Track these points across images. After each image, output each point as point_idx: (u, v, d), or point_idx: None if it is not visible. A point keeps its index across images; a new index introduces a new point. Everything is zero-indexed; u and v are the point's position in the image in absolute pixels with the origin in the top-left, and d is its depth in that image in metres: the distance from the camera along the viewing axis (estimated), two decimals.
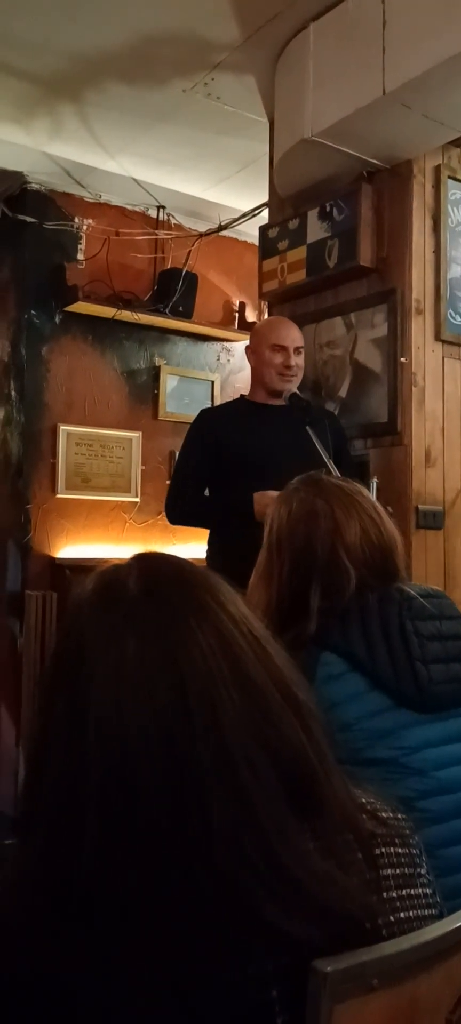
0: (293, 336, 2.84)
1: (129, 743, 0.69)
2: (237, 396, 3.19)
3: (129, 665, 0.71)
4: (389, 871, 0.77)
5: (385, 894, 0.76)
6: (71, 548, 4.17)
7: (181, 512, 2.91)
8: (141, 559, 0.81)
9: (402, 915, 0.76)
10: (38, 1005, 0.65)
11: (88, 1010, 0.65)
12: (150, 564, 0.80)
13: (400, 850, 0.79)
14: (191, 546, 4.01)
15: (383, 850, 0.77)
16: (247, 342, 3.05)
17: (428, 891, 0.81)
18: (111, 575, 0.79)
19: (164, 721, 0.69)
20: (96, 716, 0.70)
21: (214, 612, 0.75)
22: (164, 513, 3.01)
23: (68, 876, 0.67)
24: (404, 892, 0.78)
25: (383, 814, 0.81)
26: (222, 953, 0.66)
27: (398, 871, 0.78)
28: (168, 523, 3.05)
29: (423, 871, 0.81)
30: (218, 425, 2.89)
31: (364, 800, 0.80)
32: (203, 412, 3.05)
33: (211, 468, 2.83)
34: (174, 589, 0.77)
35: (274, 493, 2.47)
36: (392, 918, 0.75)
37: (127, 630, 0.73)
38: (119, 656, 0.72)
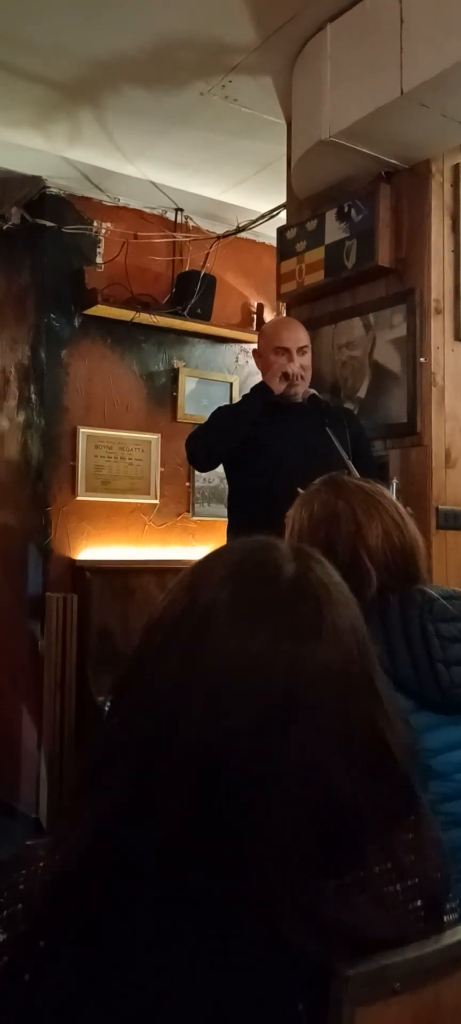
0: (295, 337, 2.83)
1: (228, 725, 0.69)
2: None
3: (254, 650, 0.71)
4: (419, 902, 0.77)
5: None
6: (91, 550, 4.19)
7: (203, 436, 2.89)
8: (300, 553, 0.79)
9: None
10: (89, 965, 0.67)
11: (125, 984, 0.66)
12: (309, 562, 0.79)
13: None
14: (209, 547, 4.02)
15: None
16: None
17: (454, 905, 0.81)
18: (265, 552, 0.78)
19: (265, 719, 0.69)
20: (205, 684, 0.70)
21: (346, 637, 0.75)
22: (187, 458, 3.03)
23: (139, 841, 0.68)
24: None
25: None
26: (260, 959, 0.67)
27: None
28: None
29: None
30: None
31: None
32: (220, 409, 3.08)
33: (231, 459, 2.83)
34: (321, 600, 0.75)
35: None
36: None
37: (266, 616, 0.72)
38: (248, 637, 0.71)
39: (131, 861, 0.68)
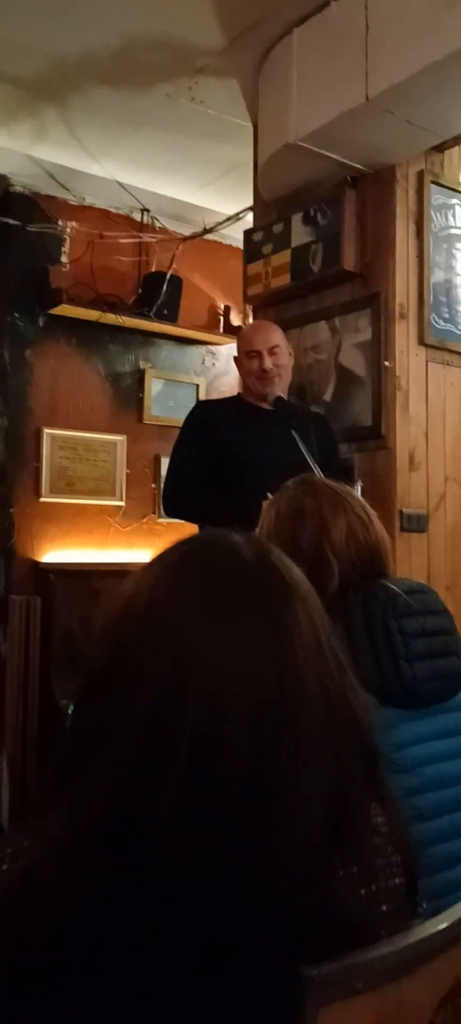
0: (264, 339, 2.82)
1: (226, 707, 0.68)
2: (235, 394, 3.22)
3: (237, 629, 0.71)
4: (381, 884, 0.77)
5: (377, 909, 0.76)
6: (55, 552, 4.15)
7: (180, 505, 2.87)
8: (253, 538, 0.80)
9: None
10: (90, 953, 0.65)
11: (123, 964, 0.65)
12: (265, 544, 0.80)
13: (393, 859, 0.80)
14: None
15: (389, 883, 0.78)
16: (233, 346, 3.07)
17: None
18: (223, 539, 0.79)
19: (260, 696, 0.69)
20: (197, 672, 0.70)
21: (314, 610, 0.76)
22: (161, 505, 2.99)
23: (141, 827, 0.67)
24: (394, 906, 0.78)
25: (378, 819, 0.81)
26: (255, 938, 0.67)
27: (390, 883, 0.78)
28: (163, 518, 3.03)
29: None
30: (215, 418, 2.89)
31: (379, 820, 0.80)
32: (201, 404, 3.08)
33: (207, 462, 2.82)
34: (288, 575, 0.77)
35: None
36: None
37: (238, 599, 0.73)
38: (230, 618, 0.71)
39: (122, 857, 0.67)
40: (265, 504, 1.46)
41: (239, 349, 2.91)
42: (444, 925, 0.77)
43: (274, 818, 0.68)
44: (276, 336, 2.84)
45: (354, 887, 0.73)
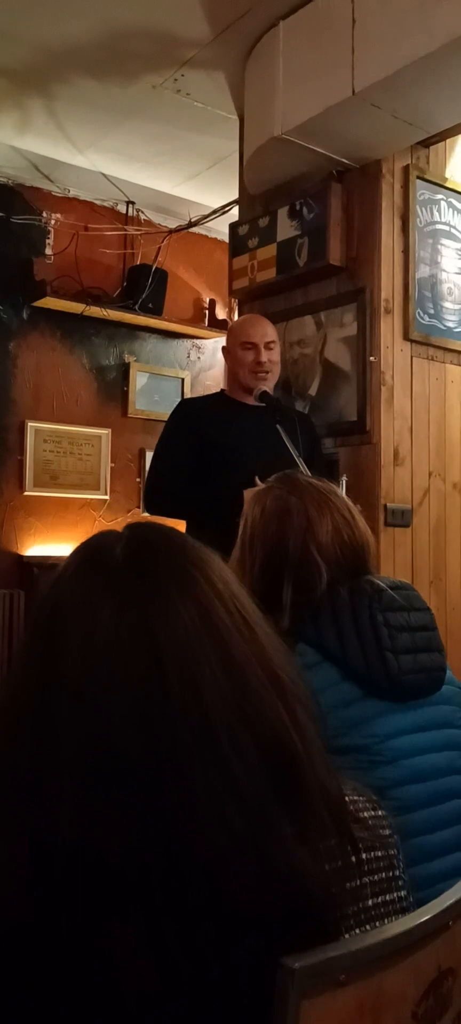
0: (262, 332, 2.83)
1: (102, 712, 0.67)
2: (218, 390, 3.21)
3: (103, 632, 0.70)
4: (367, 879, 0.76)
5: (361, 904, 0.75)
6: (39, 546, 4.13)
7: (162, 503, 2.85)
8: (133, 528, 0.79)
9: (377, 925, 0.76)
10: (26, 992, 0.64)
11: (73, 983, 0.63)
12: (140, 534, 0.79)
13: (380, 853, 0.79)
14: None
15: (364, 856, 0.76)
16: (218, 340, 3.06)
17: (403, 893, 0.80)
18: (98, 540, 0.78)
19: (138, 691, 0.68)
20: (69, 682, 0.69)
21: (199, 586, 0.74)
22: (142, 503, 2.99)
23: (48, 852, 0.65)
24: (380, 899, 0.77)
25: (364, 814, 0.80)
26: (199, 929, 0.65)
27: (376, 877, 0.78)
28: (147, 514, 3.01)
29: (399, 872, 0.81)
30: (200, 417, 2.88)
31: (346, 799, 0.79)
32: (184, 402, 3.06)
33: (191, 459, 2.81)
34: (160, 560, 0.75)
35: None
36: (368, 927, 0.75)
37: (106, 596, 0.71)
38: (94, 622, 0.70)
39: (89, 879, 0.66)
40: (249, 500, 1.45)
41: (231, 340, 2.89)
42: (427, 916, 0.77)
43: (191, 793, 0.66)
44: (272, 331, 2.86)
45: (319, 860, 0.71)
